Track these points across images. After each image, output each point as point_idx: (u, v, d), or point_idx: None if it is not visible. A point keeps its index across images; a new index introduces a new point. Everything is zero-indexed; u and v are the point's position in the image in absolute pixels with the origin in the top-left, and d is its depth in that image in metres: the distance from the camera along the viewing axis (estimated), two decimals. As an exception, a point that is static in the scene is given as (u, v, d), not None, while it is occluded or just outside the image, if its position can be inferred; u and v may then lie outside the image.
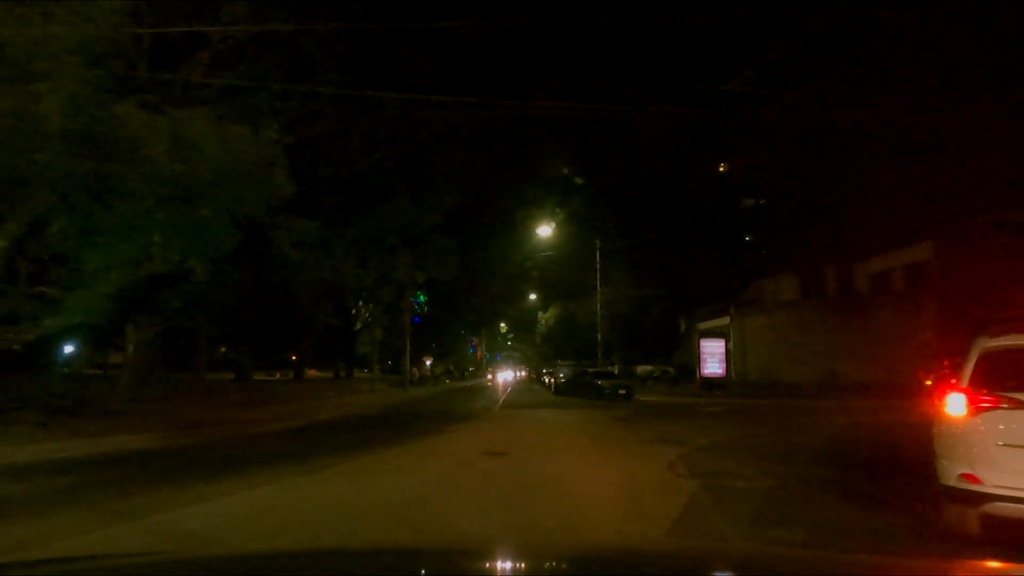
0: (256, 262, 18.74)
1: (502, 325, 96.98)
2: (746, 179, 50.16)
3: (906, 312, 29.48)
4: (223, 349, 44.67)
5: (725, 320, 38.64)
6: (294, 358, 53.57)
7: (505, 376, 77.92)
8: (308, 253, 18.82)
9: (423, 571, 2.07)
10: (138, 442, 11.80)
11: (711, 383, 28.90)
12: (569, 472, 8.58)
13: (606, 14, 38.02)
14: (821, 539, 5.27)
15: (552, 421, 17.09)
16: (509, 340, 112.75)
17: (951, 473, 5.02)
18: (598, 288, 37.66)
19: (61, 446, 10.68)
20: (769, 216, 46.95)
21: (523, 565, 2.13)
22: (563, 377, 33.86)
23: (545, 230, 37.48)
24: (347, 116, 20.02)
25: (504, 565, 2.12)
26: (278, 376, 46.98)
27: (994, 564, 2.13)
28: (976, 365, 5.18)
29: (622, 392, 27.69)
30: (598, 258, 37.33)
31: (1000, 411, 4.89)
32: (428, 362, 64.57)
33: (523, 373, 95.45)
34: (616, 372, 43.85)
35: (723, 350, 29.30)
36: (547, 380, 41.67)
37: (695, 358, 30.68)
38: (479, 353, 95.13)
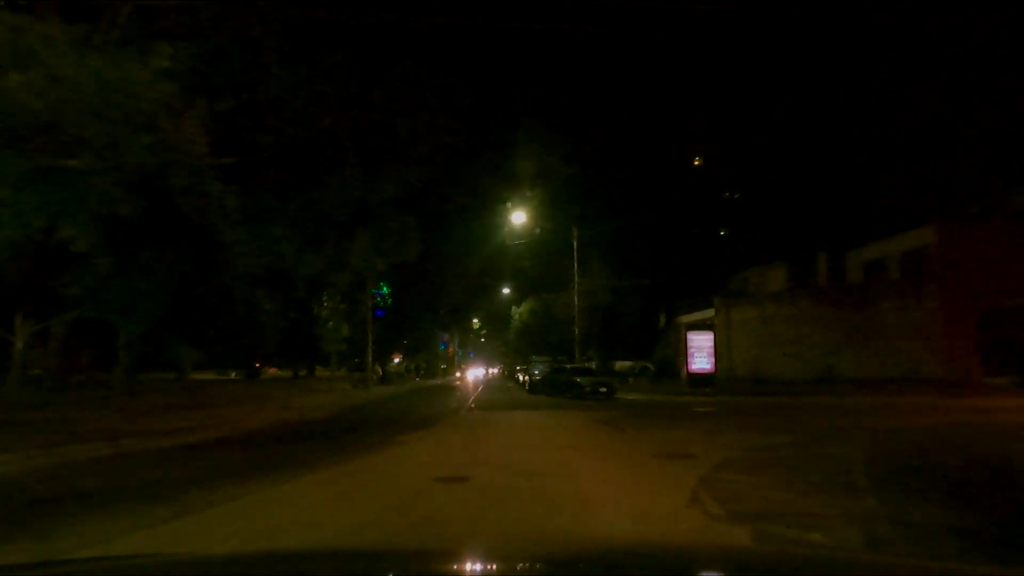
0: (177, 239, 15.83)
1: (475, 321, 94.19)
2: (730, 166, 48.09)
3: (907, 301, 27.48)
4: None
5: (710, 312, 36.54)
6: (257, 356, 50.28)
7: (478, 373, 75.23)
8: (243, 231, 15.96)
9: None
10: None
11: (699, 380, 26.57)
12: (553, 513, 5.99)
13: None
14: None
15: (527, 427, 14.50)
16: (483, 336, 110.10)
17: None
18: (575, 279, 35.18)
19: None
20: (754, 204, 44.92)
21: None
22: (538, 374, 31.33)
23: (520, 217, 34.81)
24: (293, 77, 17.19)
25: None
26: (232, 376, 43.76)
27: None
28: None
29: (603, 390, 25.27)
30: (575, 247, 34.85)
31: None
32: (397, 359, 61.66)
33: (497, 370, 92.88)
34: (594, 368, 41.58)
35: (711, 344, 27.00)
36: (521, 378, 39.13)
37: (681, 353, 28.34)
38: (451, 350, 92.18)
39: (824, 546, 4.71)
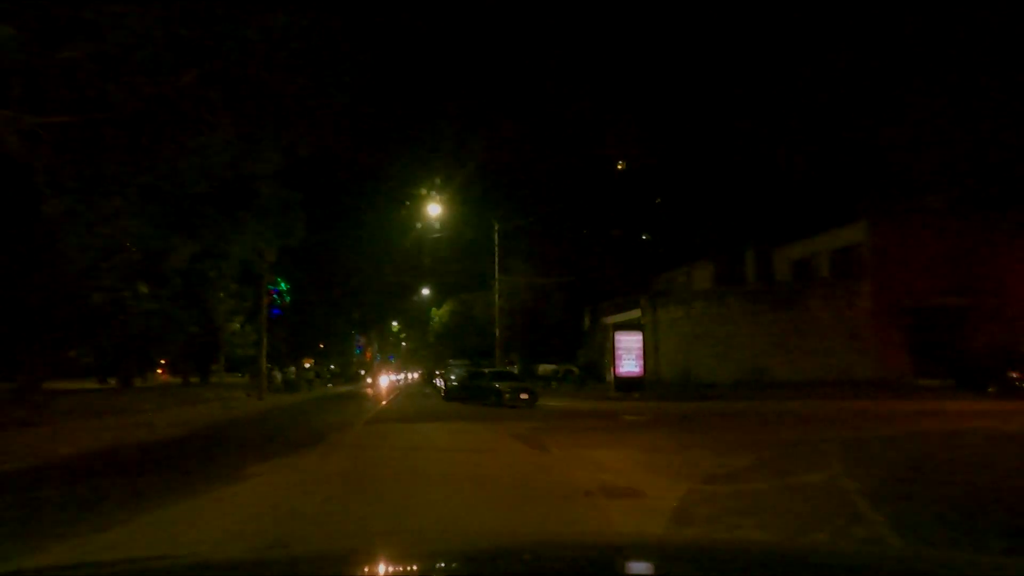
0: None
1: (394, 324, 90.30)
2: (655, 163, 46.89)
3: (839, 300, 26.45)
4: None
5: (636, 313, 34.91)
6: (162, 362, 45.03)
7: (396, 378, 71.56)
8: (69, 199, 12.54)
9: None
10: None
11: (627, 384, 24.54)
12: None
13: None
14: None
15: (431, 448, 11.77)
16: (403, 340, 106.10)
17: None
18: (496, 275, 32.71)
19: None
20: (680, 202, 43.83)
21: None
22: (455, 379, 28.59)
23: (436, 210, 31.98)
24: (146, 18, 13.88)
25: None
26: (112, 383, 38.76)
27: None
28: None
29: (524, 397, 22.83)
30: (496, 241, 32.39)
31: None
32: (308, 364, 57.55)
33: (417, 374, 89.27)
34: (516, 372, 39.24)
35: (640, 345, 25.05)
36: (439, 383, 36.32)
37: (608, 355, 26.27)
38: (368, 354, 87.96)
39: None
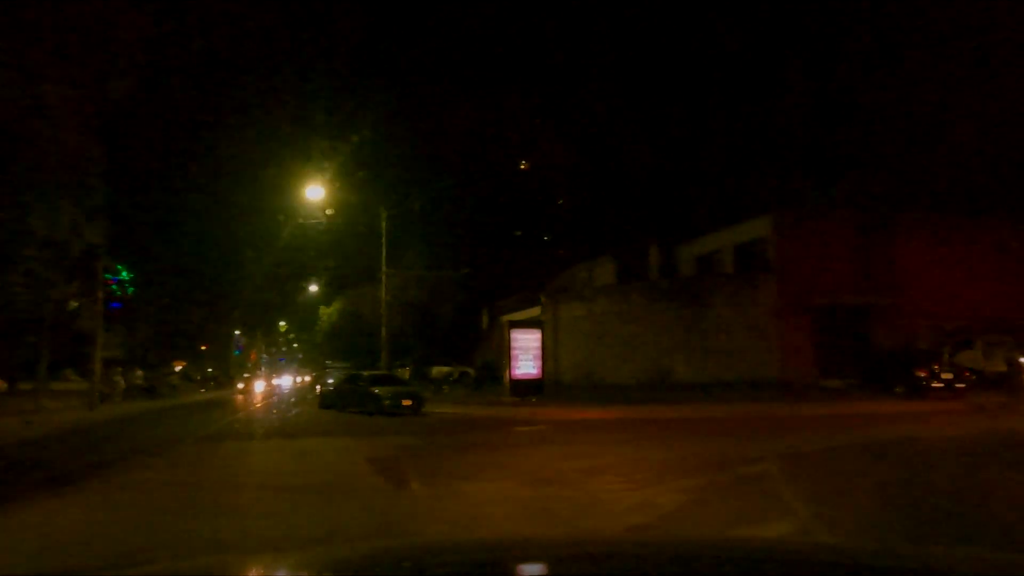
0: None
1: (282, 323, 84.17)
2: (557, 157, 45.01)
3: (743, 298, 25.21)
4: None
5: (536, 310, 32.69)
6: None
7: (279, 382, 65.98)
8: None
9: None
10: None
11: (524, 387, 22.08)
12: None
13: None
14: None
15: (244, 486, 8.59)
16: (295, 341, 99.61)
17: None
18: (383, 268, 29.44)
19: None
20: (583, 197, 42.17)
21: None
22: (331, 384, 25.17)
23: (317, 193, 28.18)
24: None
25: None
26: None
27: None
28: None
29: (407, 403, 19.93)
30: (384, 230, 29.17)
31: None
32: (178, 368, 51.64)
33: (307, 378, 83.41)
34: (407, 374, 36.19)
35: (539, 344, 22.69)
36: (319, 388, 32.65)
37: (504, 355, 23.72)
38: (253, 355, 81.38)
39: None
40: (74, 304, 23.52)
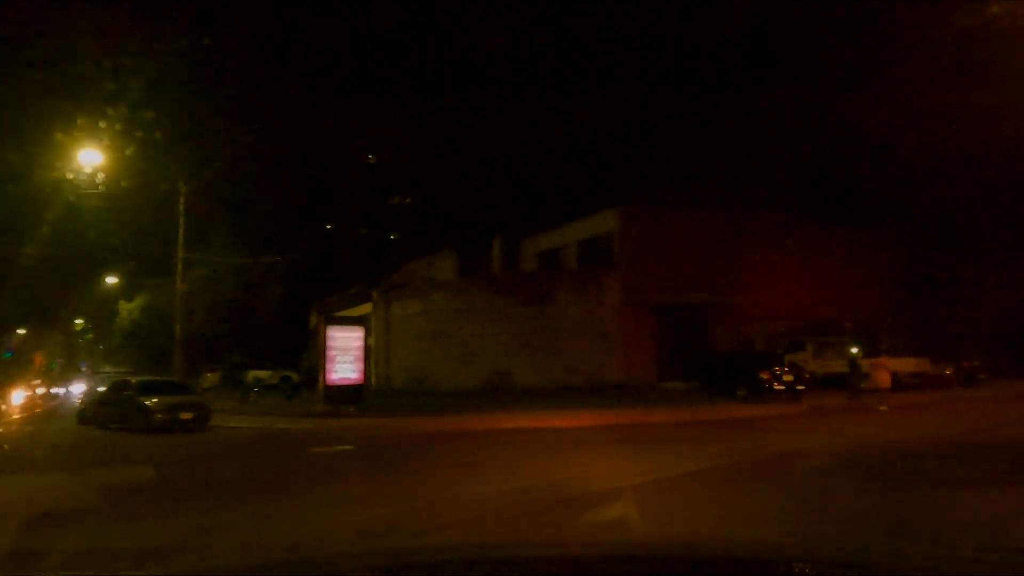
0: None
1: (77, 321, 72.72)
2: (397, 151, 41.72)
3: (587, 296, 23.60)
4: None
5: (367, 307, 29.35)
6: None
7: (72, 390, 56.20)
8: None
9: None
10: None
11: (341, 394, 18.57)
12: None
13: None
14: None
15: None
16: (101, 344, 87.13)
17: None
18: (179, 253, 24.56)
19: None
20: (424, 192, 39.33)
21: None
22: (97, 393, 20.23)
23: (94, 157, 22.63)
24: None
25: None
26: None
27: None
28: None
29: (186, 416, 15.90)
30: (181, 208, 24.34)
31: None
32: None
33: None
34: (216, 380, 31.25)
35: (361, 344, 19.32)
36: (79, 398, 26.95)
37: (320, 357, 20.04)
38: (38, 359, 69.50)
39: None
40: None
